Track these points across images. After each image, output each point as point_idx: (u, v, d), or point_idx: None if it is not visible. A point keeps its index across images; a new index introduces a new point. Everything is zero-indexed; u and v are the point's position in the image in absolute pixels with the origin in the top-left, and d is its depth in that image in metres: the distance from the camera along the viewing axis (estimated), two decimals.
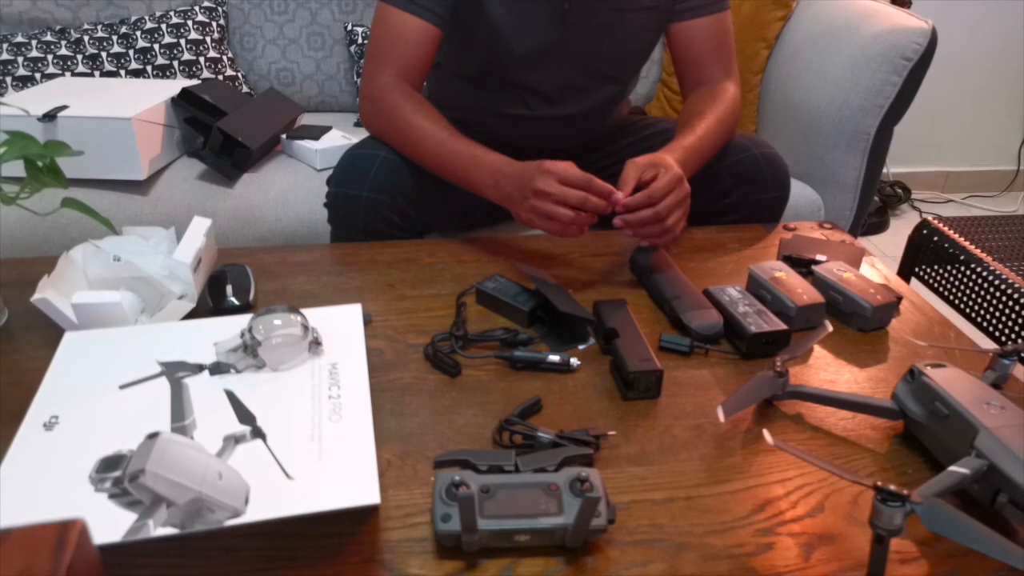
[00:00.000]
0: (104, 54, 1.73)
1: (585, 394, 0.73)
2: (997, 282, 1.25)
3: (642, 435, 0.68)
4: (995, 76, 2.67)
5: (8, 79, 1.68)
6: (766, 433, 0.57)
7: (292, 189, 1.45)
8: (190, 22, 1.76)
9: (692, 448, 0.67)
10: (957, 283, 1.33)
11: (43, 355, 0.75)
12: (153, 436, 0.59)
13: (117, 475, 0.56)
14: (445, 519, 0.54)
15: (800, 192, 1.53)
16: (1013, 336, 1.20)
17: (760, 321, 0.80)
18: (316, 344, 0.70)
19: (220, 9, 1.82)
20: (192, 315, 0.79)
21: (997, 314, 1.24)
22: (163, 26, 1.75)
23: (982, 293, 1.27)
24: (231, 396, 0.64)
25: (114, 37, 1.74)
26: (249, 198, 1.42)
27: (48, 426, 0.61)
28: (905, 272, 1.44)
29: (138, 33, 1.74)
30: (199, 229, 0.86)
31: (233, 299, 0.84)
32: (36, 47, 1.71)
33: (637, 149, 1.14)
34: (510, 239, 1.05)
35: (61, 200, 0.81)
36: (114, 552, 0.54)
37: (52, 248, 1.37)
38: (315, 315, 0.73)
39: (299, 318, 0.69)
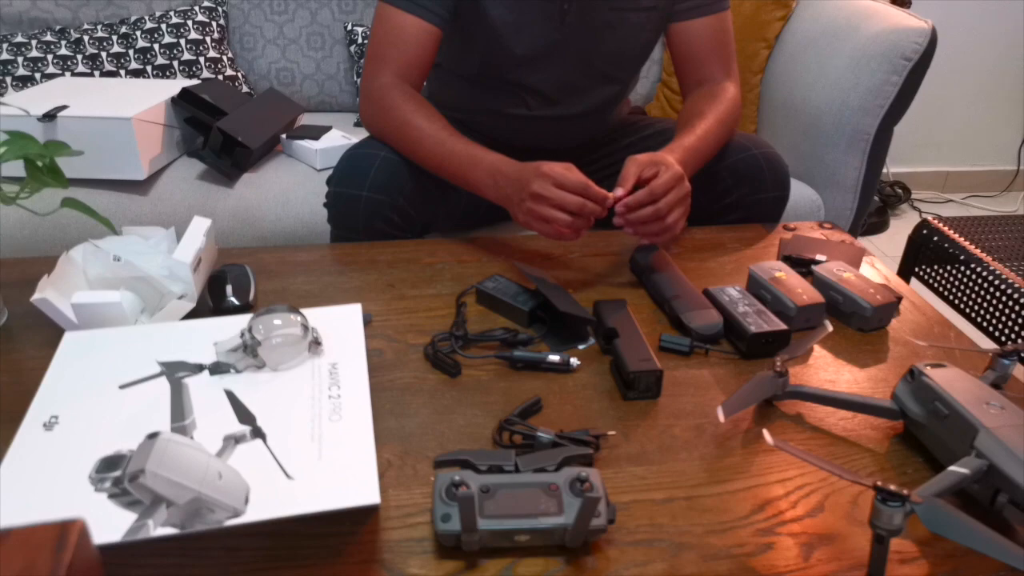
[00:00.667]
0: (104, 54, 1.73)
1: (585, 394, 0.73)
2: (997, 282, 1.25)
3: (642, 435, 0.68)
4: (995, 76, 2.67)
5: (8, 79, 1.68)
6: (766, 433, 0.57)
7: (292, 189, 1.45)
8: (190, 22, 1.76)
9: (692, 448, 0.67)
10: (957, 283, 1.33)
11: (43, 355, 0.75)
12: (153, 436, 0.59)
13: (117, 475, 0.56)
14: (445, 519, 0.54)
15: (800, 192, 1.53)
16: (1013, 336, 1.20)
17: (760, 321, 0.80)
18: (316, 344, 0.70)
19: (220, 9, 1.82)
20: (192, 315, 0.79)
21: (997, 314, 1.24)
22: (163, 26, 1.75)
23: (982, 293, 1.27)
24: (231, 396, 0.64)
25: (114, 37, 1.74)
26: (249, 198, 1.43)
27: (48, 426, 0.61)
28: (905, 272, 1.44)
29: (138, 33, 1.74)
30: (199, 229, 0.86)
31: (233, 299, 0.84)
32: (36, 47, 1.71)
33: (637, 149, 1.14)
34: (510, 239, 1.05)
35: (61, 200, 0.81)
36: (114, 552, 0.54)
37: (52, 248, 1.37)
38: (315, 315, 0.73)
39: (299, 318, 0.69)
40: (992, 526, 0.52)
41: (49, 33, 1.73)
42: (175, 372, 0.67)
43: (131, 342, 0.71)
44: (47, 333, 0.79)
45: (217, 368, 0.67)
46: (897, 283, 0.96)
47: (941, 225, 1.42)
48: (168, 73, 1.75)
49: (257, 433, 0.60)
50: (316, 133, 1.58)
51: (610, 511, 0.56)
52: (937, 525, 0.51)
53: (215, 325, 0.73)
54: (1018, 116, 2.76)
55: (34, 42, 1.71)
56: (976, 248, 1.34)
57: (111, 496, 0.54)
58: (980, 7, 2.54)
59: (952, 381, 0.65)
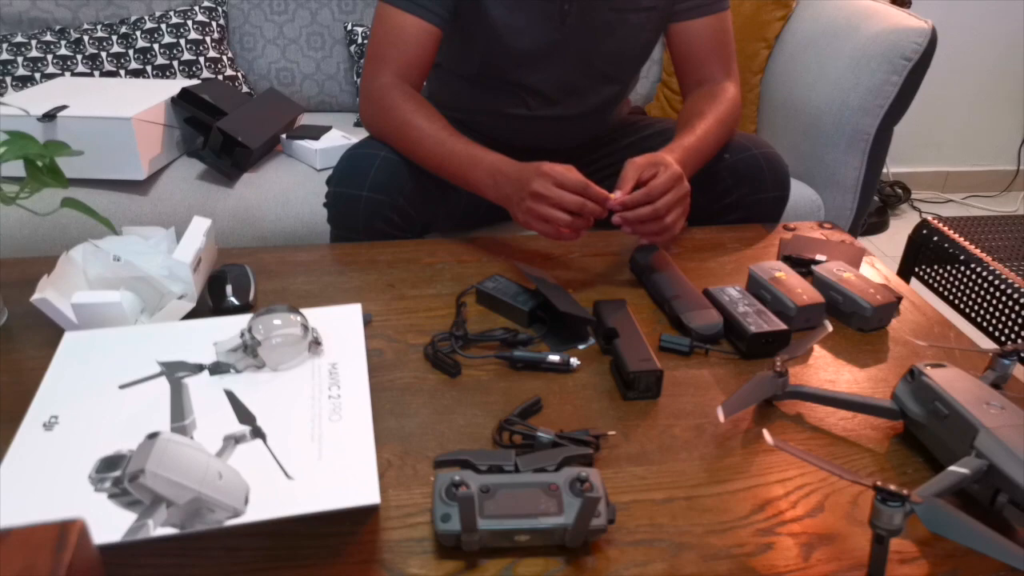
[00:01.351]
0: (104, 54, 1.73)
1: (585, 394, 0.73)
2: (997, 282, 1.25)
3: (642, 435, 0.68)
4: (995, 76, 2.67)
5: (8, 79, 1.68)
6: (766, 433, 0.57)
7: (292, 189, 1.45)
8: (190, 22, 1.76)
9: (692, 448, 0.67)
10: (957, 283, 1.33)
11: (43, 355, 0.75)
12: (153, 436, 0.59)
13: (117, 475, 0.56)
14: (445, 519, 0.54)
15: (800, 192, 1.53)
16: (1013, 336, 1.20)
17: (760, 321, 0.80)
18: (316, 344, 0.70)
19: (220, 9, 1.82)
20: (192, 315, 0.79)
21: (997, 314, 1.24)
22: (163, 26, 1.75)
23: (982, 293, 1.27)
24: (231, 396, 0.64)
25: (114, 37, 1.74)
26: (249, 198, 1.43)
27: (48, 426, 0.61)
28: (905, 272, 1.44)
29: (138, 33, 1.74)
30: (199, 229, 0.86)
31: (233, 299, 0.84)
32: (36, 47, 1.71)
33: (637, 149, 1.14)
34: (510, 239, 1.05)
35: (61, 200, 0.81)
36: (114, 552, 0.54)
37: (52, 248, 1.37)
38: (315, 315, 0.73)
39: (299, 318, 0.69)
40: (992, 526, 0.52)
41: (49, 33, 1.73)
42: (175, 372, 0.67)
43: (131, 342, 0.71)
44: (47, 333, 0.79)
45: (217, 368, 0.67)
46: (897, 283, 0.96)
47: (941, 225, 1.42)
48: (168, 73, 1.75)
49: (257, 433, 0.60)
50: (316, 133, 1.58)
51: (610, 511, 0.56)
52: (937, 525, 0.51)
53: (215, 325, 0.73)
54: (1018, 116, 2.76)
55: (34, 42, 1.71)
56: (976, 248, 1.34)
57: (111, 496, 0.54)
58: (980, 7, 2.54)
59: (952, 381, 0.65)
